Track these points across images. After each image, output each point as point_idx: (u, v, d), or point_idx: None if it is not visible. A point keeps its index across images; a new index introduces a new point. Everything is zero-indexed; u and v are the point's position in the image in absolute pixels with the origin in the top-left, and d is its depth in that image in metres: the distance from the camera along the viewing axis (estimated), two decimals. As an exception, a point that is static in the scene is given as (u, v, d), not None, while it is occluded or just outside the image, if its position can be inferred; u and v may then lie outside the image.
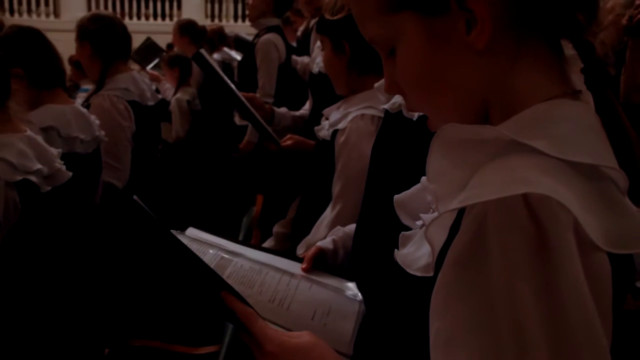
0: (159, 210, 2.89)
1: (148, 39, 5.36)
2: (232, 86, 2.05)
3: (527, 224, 0.53)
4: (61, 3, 13.64)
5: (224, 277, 1.02)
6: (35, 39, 2.15)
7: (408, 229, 0.89)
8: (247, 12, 13.79)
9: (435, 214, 0.69)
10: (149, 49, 5.27)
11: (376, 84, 1.26)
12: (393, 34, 0.68)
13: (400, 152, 1.16)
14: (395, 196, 0.85)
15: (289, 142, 2.00)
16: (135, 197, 0.89)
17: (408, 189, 1.09)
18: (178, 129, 4.35)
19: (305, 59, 3.54)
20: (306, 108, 2.41)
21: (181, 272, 0.96)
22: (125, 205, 0.90)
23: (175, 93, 4.48)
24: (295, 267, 1.21)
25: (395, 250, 0.77)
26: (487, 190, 0.55)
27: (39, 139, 1.71)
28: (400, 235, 0.78)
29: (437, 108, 0.69)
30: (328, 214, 1.56)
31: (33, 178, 1.61)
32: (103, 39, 2.55)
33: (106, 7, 13.92)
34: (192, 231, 1.25)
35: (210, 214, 3.56)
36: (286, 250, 1.76)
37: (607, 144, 0.62)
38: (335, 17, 0.78)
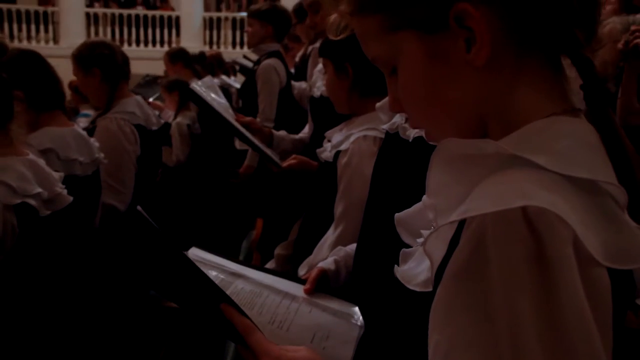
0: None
1: (147, 75, 5.51)
2: (226, 116, 2.06)
3: (526, 237, 0.53)
4: (60, 29, 13.77)
5: None
6: (36, 62, 2.17)
7: (409, 246, 0.90)
8: (245, 38, 13.94)
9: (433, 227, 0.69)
10: (149, 83, 5.42)
11: (378, 104, 1.28)
12: (394, 53, 0.69)
13: (398, 171, 1.18)
14: (396, 214, 0.86)
15: (293, 162, 2.02)
16: (139, 207, 0.91)
17: (407, 207, 1.10)
18: (178, 152, 4.37)
19: (302, 84, 3.58)
20: (305, 131, 2.43)
21: (182, 283, 0.97)
22: (129, 217, 0.92)
23: (175, 117, 4.51)
24: (297, 289, 1.22)
25: (395, 266, 0.78)
26: (486, 202, 0.56)
27: (41, 162, 1.71)
28: (401, 252, 0.79)
29: (437, 124, 0.70)
30: (330, 235, 1.56)
31: (32, 202, 1.60)
32: (110, 62, 2.58)
33: (105, 34, 14.06)
34: (194, 251, 1.26)
35: (210, 238, 3.56)
36: (287, 271, 1.76)
37: (607, 160, 0.62)
38: (339, 38, 0.79)
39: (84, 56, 2.59)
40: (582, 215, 0.55)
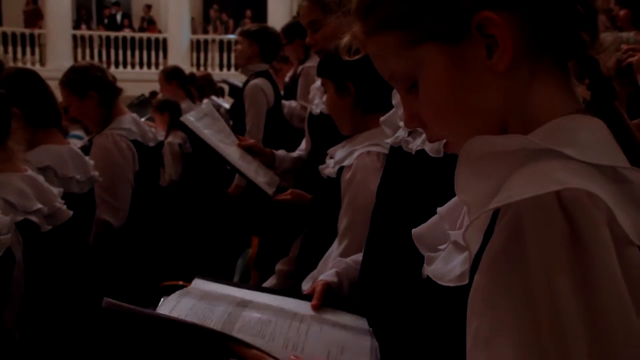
0: (155, 254, 2.90)
1: (142, 95, 5.55)
2: (217, 148, 2.05)
3: (562, 220, 0.55)
4: (47, 51, 13.76)
5: (234, 331, 1.04)
6: (33, 80, 2.17)
7: (419, 259, 0.91)
8: (233, 60, 13.98)
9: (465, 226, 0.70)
10: (143, 104, 5.46)
11: (382, 118, 1.30)
12: (415, 67, 0.70)
13: (402, 184, 1.20)
14: (414, 230, 0.87)
15: (288, 197, 2.01)
16: (105, 299, 0.92)
17: (413, 218, 1.12)
18: (171, 172, 4.36)
19: (292, 103, 3.60)
20: (302, 148, 2.44)
21: (183, 344, 0.98)
22: (100, 313, 0.93)
23: (166, 137, 4.51)
24: (303, 307, 1.22)
25: (424, 266, 0.79)
26: (521, 190, 0.58)
27: (40, 178, 1.71)
28: (426, 256, 0.80)
29: (459, 133, 0.71)
30: (335, 249, 1.57)
31: (33, 218, 1.60)
32: (104, 83, 2.59)
33: (92, 56, 14.07)
34: (198, 282, 1.25)
35: (205, 257, 3.54)
36: (289, 288, 1.76)
37: (620, 152, 0.65)
38: (354, 58, 0.81)
39: (77, 81, 2.57)
40: (613, 198, 0.58)
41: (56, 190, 1.76)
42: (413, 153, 1.15)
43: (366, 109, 1.64)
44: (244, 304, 1.16)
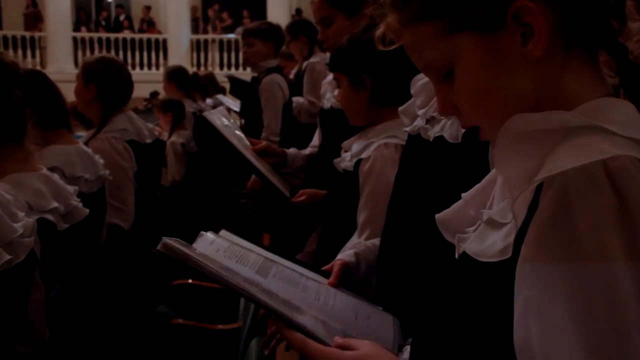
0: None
1: (146, 100, 5.56)
2: (239, 147, 2.06)
3: (608, 188, 0.56)
4: (47, 54, 13.78)
5: (269, 276, 1.08)
6: (42, 81, 2.17)
7: (439, 244, 0.91)
8: (232, 60, 13.96)
9: (501, 206, 0.71)
10: (150, 110, 5.47)
11: (400, 108, 1.30)
12: (451, 56, 0.72)
13: (421, 170, 1.21)
14: (437, 215, 0.87)
15: (302, 198, 2.01)
16: (164, 241, 0.95)
17: (431, 205, 1.11)
18: (174, 172, 4.35)
19: (299, 99, 3.61)
20: (314, 144, 2.43)
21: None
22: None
23: (169, 137, 4.50)
24: (323, 281, 1.25)
25: (458, 246, 0.78)
26: (566, 162, 0.59)
27: (55, 176, 1.71)
28: (457, 237, 0.80)
29: (494, 119, 0.72)
30: (355, 241, 1.56)
31: (50, 217, 1.60)
32: (110, 84, 2.56)
33: (92, 58, 14.07)
34: (225, 233, 1.28)
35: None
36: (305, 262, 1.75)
37: None
38: (390, 48, 0.82)
39: (89, 68, 2.57)
40: None
41: (71, 189, 1.76)
42: (431, 140, 1.16)
43: (382, 102, 1.63)
44: (273, 260, 1.19)
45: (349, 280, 1.29)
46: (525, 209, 0.63)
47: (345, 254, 1.38)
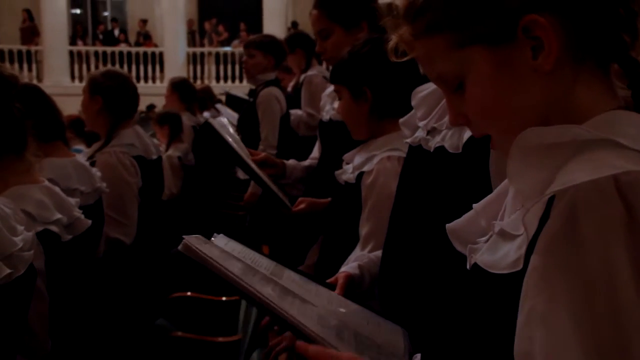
0: (162, 266, 2.89)
1: (142, 112, 5.55)
2: (242, 155, 2.06)
3: (618, 203, 0.57)
4: (44, 68, 13.80)
5: (282, 280, 1.07)
6: (38, 94, 2.18)
7: (440, 254, 0.91)
8: (229, 72, 13.99)
9: (513, 217, 0.72)
10: (145, 120, 5.47)
11: (401, 120, 1.31)
12: (462, 69, 0.73)
13: (421, 181, 1.21)
14: (448, 225, 0.88)
15: (302, 207, 1.99)
16: (186, 241, 0.96)
17: (433, 215, 1.12)
18: (171, 185, 4.33)
19: (298, 112, 3.62)
20: (314, 157, 2.43)
21: None
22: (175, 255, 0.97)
23: (166, 150, 4.50)
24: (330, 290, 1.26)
25: (470, 257, 0.79)
26: (577, 176, 0.60)
27: (57, 188, 1.71)
28: (468, 248, 0.80)
29: (504, 131, 0.74)
30: (358, 254, 1.55)
31: (54, 228, 1.61)
32: (115, 96, 2.58)
33: (89, 71, 14.10)
34: (229, 242, 1.23)
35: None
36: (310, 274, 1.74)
37: None
38: (402, 60, 0.82)
39: (95, 81, 2.59)
40: None
41: (73, 201, 1.76)
42: (432, 150, 1.17)
43: (382, 114, 1.63)
44: (282, 267, 1.19)
45: (353, 292, 1.29)
46: (537, 221, 0.64)
47: (349, 267, 1.38)
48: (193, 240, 0.97)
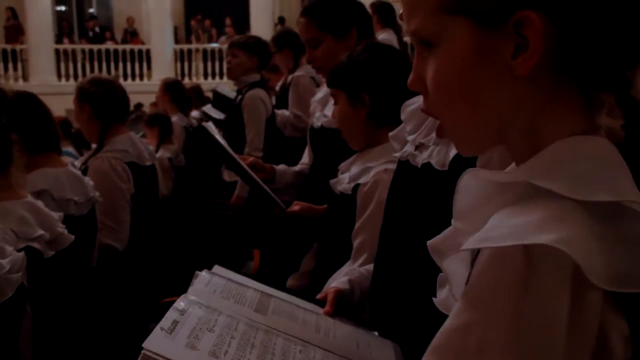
0: (153, 271, 2.89)
1: (132, 112, 5.53)
2: (237, 159, 2.06)
3: (520, 267, 0.57)
4: (30, 67, 13.66)
5: (269, 313, 1.08)
6: (32, 105, 2.16)
7: (428, 269, 0.93)
8: (217, 69, 13.93)
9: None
10: (135, 121, 5.46)
11: (391, 133, 1.31)
12: (440, 33, 0.68)
13: (409, 197, 1.22)
14: (429, 242, 0.86)
15: (296, 208, 1.97)
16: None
17: (420, 231, 1.13)
18: (162, 187, 4.32)
19: (285, 112, 3.62)
20: (304, 162, 2.43)
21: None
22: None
23: (156, 151, 4.48)
24: (318, 310, 1.25)
25: (436, 296, 0.80)
26: (496, 236, 0.59)
27: (40, 203, 1.70)
28: (439, 277, 0.81)
29: (457, 117, 0.71)
30: (349, 265, 1.56)
31: (36, 245, 1.59)
32: (102, 101, 2.58)
33: (75, 70, 14.00)
34: (219, 269, 1.27)
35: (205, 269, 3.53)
36: (302, 292, 1.74)
37: (630, 179, 0.63)
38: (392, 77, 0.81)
39: (81, 89, 2.60)
40: (595, 243, 0.57)
41: (57, 215, 1.75)
42: (419, 166, 1.16)
43: (380, 121, 1.61)
44: (269, 294, 1.19)
45: (344, 307, 1.30)
46: (468, 266, 0.66)
47: (339, 282, 1.38)
48: (153, 343, 0.88)
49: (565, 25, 0.64)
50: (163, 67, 13.72)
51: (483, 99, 0.68)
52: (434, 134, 1.11)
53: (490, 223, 0.62)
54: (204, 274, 1.18)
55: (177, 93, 4.87)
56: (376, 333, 1.24)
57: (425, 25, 0.69)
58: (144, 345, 0.87)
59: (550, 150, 0.65)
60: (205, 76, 14.23)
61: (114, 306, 2.48)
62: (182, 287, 2.81)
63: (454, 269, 0.67)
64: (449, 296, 0.76)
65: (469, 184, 0.69)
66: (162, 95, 4.89)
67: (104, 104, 2.58)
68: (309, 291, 1.76)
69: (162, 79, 5.18)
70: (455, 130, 0.72)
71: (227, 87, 5.27)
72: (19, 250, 1.54)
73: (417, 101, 1.21)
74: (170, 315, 0.96)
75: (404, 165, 1.25)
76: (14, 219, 1.57)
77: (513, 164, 0.72)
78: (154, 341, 0.89)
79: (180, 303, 1.01)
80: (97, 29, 15.25)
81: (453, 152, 1.05)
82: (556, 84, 0.66)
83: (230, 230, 3.73)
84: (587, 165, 0.62)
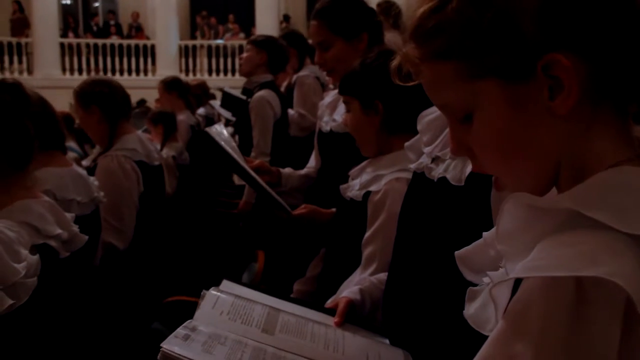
0: (157, 270, 2.88)
1: (135, 107, 5.50)
2: (241, 162, 2.05)
3: (572, 299, 0.56)
4: (35, 60, 13.68)
5: (277, 330, 1.09)
6: (38, 104, 2.15)
7: (445, 283, 0.91)
8: (221, 65, 13.92)
9: (502, 270, 0.73)
10: (139, 116, 5.44)
11: (407, 143, 1.29)
12: (471, 101, 0.68)
13: (424, 210, 1.20)
14: (457, 252, 0.86)
15: (303, 211, 1.96)
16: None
17: (434, 245, 1.12)
18: (166, 185, 4.32)
19: (290, 111, 3.61)
20: (310, 166, 2.42)
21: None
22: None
23: (160, 149, 4.48)
24: (328, 320, 1.25)
25: (465, 309, 0.79)
26: (546, 265, 0.59)
27: (55, 204, 1.69)
28: (468, 290, 0.80)
29: (511, 170, 0.71)
30: (359, 274, 1.54)
31: (53, 243, 1.59)
32: (109, 100, 2.57)
33: (80, 64, 14.00)
34: (227, 284, 1.28)
35: (209, 270, 3.52)
36: (312, 302, 1.73)
37: None
38: (406, 85, 0.78)
39: (84, 93, 2.58)
40: None
41: (69, 216, 1.74)
42: (435, 180, 1.15)
43: (393, 129, 1.60)
44: (277, 308, 1.20)
45: (354, 317, 1.29)
46: (510, 289, 0.64)
47: (350, 291, 1.37)
48: (170, 345, 0.94)
49: (592, 56, 0.64)
50: (168, 63, 13.72)
51: (532, 148, 0.68)
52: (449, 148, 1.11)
53: (538, 251, 0.62)
54: (211, 293, 1.18)
55: (182, 89, 4.86)
56: (387, 341, 1.23)
57: (453, 99, 0.70)
58: (162, 345, 0.93)
59: (597, 179, 0.64)
60: (210, 72, 14.22)
61: (118, 305, 2.48)
62: (185, 286, 2.82)
63: (499, 294, 0.66)
64: (481, 312, 0.76)
65: (512, 208, 0.69)
66: (166, 95, 4.87)
67: (111, 103, 2.57)
68: (316, 297, 1.76)
69: (160, 80, 5.07)
70: (515, 183, 0.72)
71: (232, 89, 5.27)
72: (36, 247, 1.53)
73: (434, 111, 1.20)
74: (182, 330, 1.00)
75: (419, 178, 1.24)
76: (34, 216, 1.56)
77: (554, 190, 0.72)
78: (172, 342, 0.95)
79: (188, 324, 1.03)
80: (112, 22, 15.23)
81: (469, 168, 1.04)
82: (594, 110, 0.66)
83: (234, 229, 3.72)
84: (632, 197, 0.62)
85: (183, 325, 1.02)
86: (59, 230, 1.61)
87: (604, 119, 0.67)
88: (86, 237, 1.76)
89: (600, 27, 0.63)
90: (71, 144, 5.47)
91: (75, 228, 1.73)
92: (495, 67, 0.65)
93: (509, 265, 0.67)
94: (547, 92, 0.64)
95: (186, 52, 14.50)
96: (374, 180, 1.58)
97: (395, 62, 0.78)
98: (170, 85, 4.83)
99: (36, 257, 1.40)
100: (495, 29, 0.64)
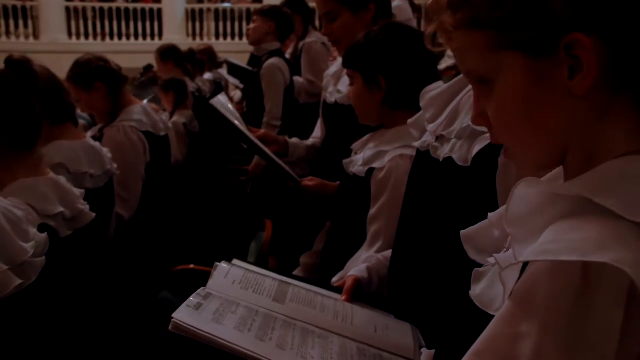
0: (166, 238, 2.91)
1: (140, 76, 5.47)
2: (246, 132, 2.05)
3: (579, 283, 0.58)
4: (40, 24, 13.57)
5: (287, 300, 1.13)
6: (46, 76, 2.15)
7: (449, 261, 0.92)
8: (229, 29, 13.76)
9: (510, 252, 0.74)
10: (144, 85, 5.40)
11: (410, 120, 1.29)
12: (495, 70, 0.71)
13: (429, 189, 1.21)
14: (462, 232, 0.88)
15: (310, 183, 1.97)
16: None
17: (439, 224, 1.13)
18: (176, 152, 4.33)
19: (299, 79, 3.60)
20: (316, 136, 2.42)
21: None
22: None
23: (171, 116, 4.48)
24: (336, 297, 1.28)
25: (472, 290, 0.81)
26: (557, 247, 0.60)
27: (62, 179, 1.70)
28: (474, 271, 0.82)
29: (523, 144, 0.73)
30: (364, 253, 1.55)
31: (51, 223, 1.58)
32: (109, 72, 2.57)
33: (86, 29, 13.90)
34: (237, 262, 1.31)
35: (217, 239, 3.56)
36: (320, 280, 1.75)
37: None
38: (437, 50, 0.80)
39: (82, 74, 2.55)
40: None
41: (78, 192, 1.74)
42: (441, 160, 1.15)
43: (396, 105, 1.60)
44: (287, 282, 1.23)
45: (361, 295, 1.31)
46: (518, 272, 0.66)
47: (358, 269, 1.38)
48: (182, 315, 0.95)
49: (616, 41, 0.65)
50: (174, 27, 13.59)
51: (547, 124, 0.70)
52: (455, 126, 1.10)
53: (547, 236, 0.63)
54: (223, 265, 1.21)
55: (177, 58, 4.82)
56: (393, 317, 1.26)
57: (480, 65, 0.73)
58: (173, 315, 0.95)
59: (608, 167, 0.66)
60: (217, 37, 14.08)
61: (126, 274, 2.51)
62: (194, 255, 2.85)
63: (508, 276, 0.68)
64: (487, 292, 0.78)
65: (522, 192, 0.70)
66: (162, 65, 4.83)
67: (111, 73, 2.57)
68: (321, 272, 1.78)
69: (156, 49, 4.97)
70: (524, 155, 0.74)
71: (237, 60, 5.22)
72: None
73: (436, 87, 1.19)
74: (194, 299, 1.02)
75: (424, 156, 1.24)
76: (34, 195, 1.56)
77: (561, 173, 0.74)
78: (183, 312, 0.96)
79: (201, 291, 1.05)
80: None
81: (476, 148, 1.05)
82: (612, 97, 0.68)
83: (242, 196, 3.74)
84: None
85: (195, 293, 1.04)
86: (60, 209, 1.59)
87: (621, 108, 0.68)
88: (93, 215, 1.76)
89: (626, 13, 0.65)
90: (78, 111, 5.47)
91: (82, 205, 1.72)
92: (522, 41, 0.68)
93: (518, 248, 0.69)
94: (567, 72, 0.67)
95: (193, 16, 14.34)
96: (377, 157, 1.58)
97: (430, 29, 0.80)
98: (165, 55, 4.79)
99: (44, 235, 1.41)
100: (526, 3, 0.67)
